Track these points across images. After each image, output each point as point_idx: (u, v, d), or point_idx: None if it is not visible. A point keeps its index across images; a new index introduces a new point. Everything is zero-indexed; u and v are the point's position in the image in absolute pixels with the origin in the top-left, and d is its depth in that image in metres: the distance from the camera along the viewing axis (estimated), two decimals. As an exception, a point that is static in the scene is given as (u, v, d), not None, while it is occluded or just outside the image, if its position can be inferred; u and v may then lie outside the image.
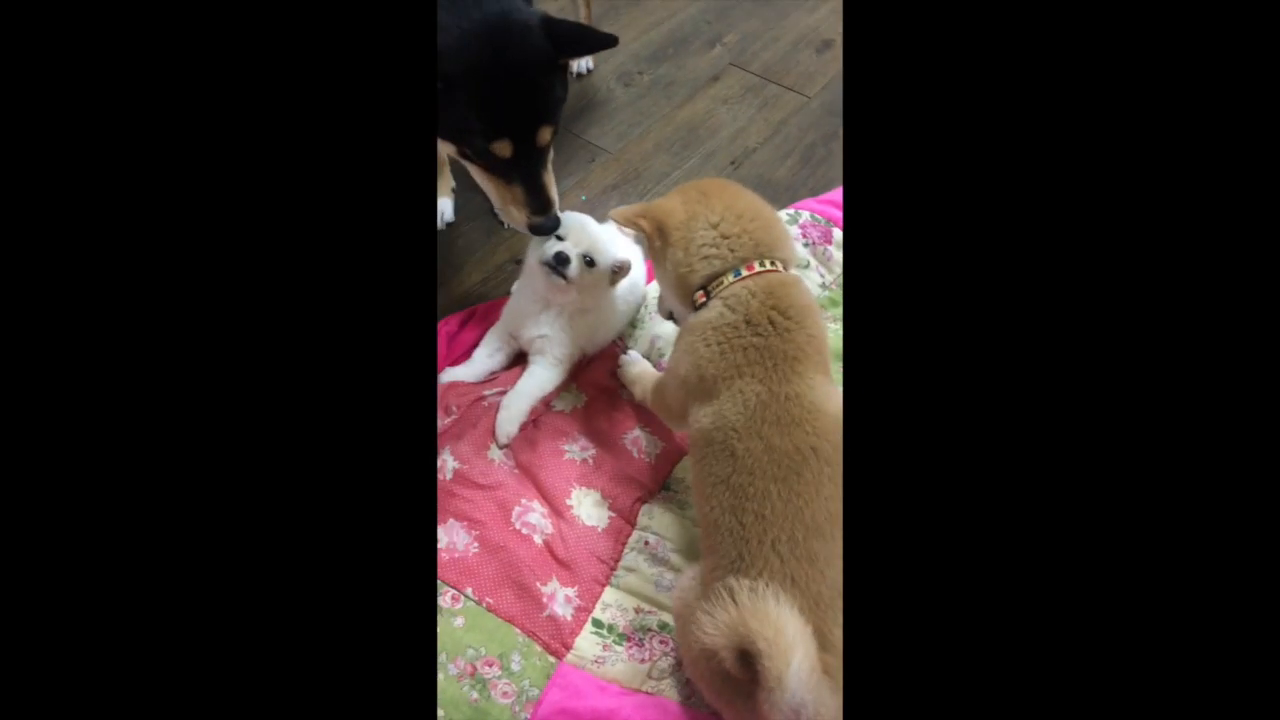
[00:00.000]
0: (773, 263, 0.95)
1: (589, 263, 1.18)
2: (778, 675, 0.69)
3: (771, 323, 0.90)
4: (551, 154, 1.16)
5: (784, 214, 1.56)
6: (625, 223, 1.01)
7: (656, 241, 0.99)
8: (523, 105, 1.06)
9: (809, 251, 1.53)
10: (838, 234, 1.55)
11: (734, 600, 0.73)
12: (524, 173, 1.11)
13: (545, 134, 1.09)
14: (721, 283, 0.93)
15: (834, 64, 2.11)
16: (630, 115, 1.94)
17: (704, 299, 0.94)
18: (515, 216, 1.16)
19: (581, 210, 1.70)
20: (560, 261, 1.16)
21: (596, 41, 1.12)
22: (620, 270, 1.22)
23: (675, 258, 0.97)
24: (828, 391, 0.90)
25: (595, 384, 1.33)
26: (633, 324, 1.39)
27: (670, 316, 1.12)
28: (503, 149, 1.07)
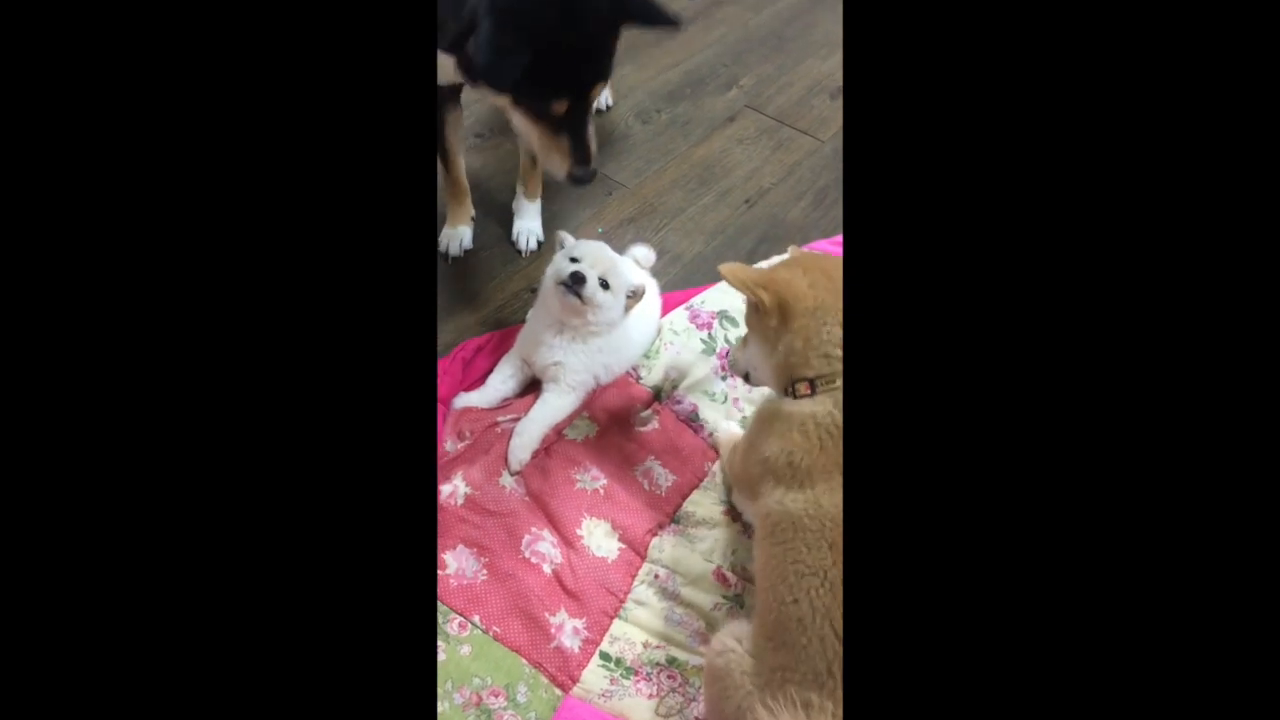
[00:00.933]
0: None
1: (604, 285, 1.19)
2: None
3: None
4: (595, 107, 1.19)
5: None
6: (740, 286, 0.92)
7: (773, 320, 0.91)
8: (587, 66, 1.09)
9: (823, 291, 1.54)
10: (851, 275, 1.56)
11: None
12: (572, 126, 1.14)
13: (599, 90, 1.15)
14: (835, 382, 0.88)
15: (848, 110, 2.15)
16: (648, 152, 1.98)
17: (809, 391, 0.89)
18: (557, 164, 1.18)
19: (599, 240, 1.72)
20: (576, 281, 1.17)
21: (660, 15, 1.12)
22: (635, 295, 1.23)
23: (792, 345, 0.90)
24: None
25: (608, 412, 1.33)
26: (647, 354, 1.39)
27: (746, 377, 1.06)
28: (560, 107, 1.11)
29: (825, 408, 0.87)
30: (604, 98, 2.05)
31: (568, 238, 1.29)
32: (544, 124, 1.15)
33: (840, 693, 0.72)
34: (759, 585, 0.88)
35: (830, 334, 0.88)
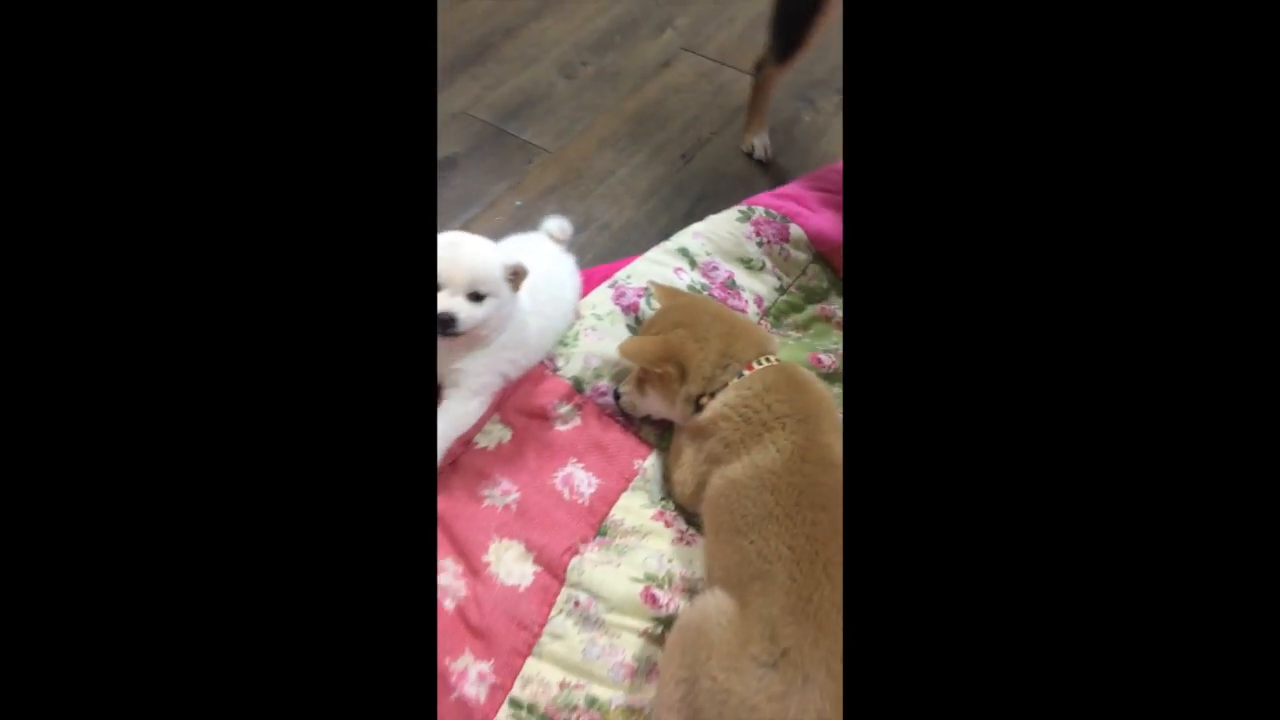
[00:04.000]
0: (767, 358, 1.09)
1: (476, 298, 1.02)
2: None
3: (791, 388, 1.03)
4: None
5: (736, 211, 1.41)
6: (646, 364, 1.10)
7: (674, 382, 1.09)
8: None
9: (763, 251, 1.37)
10: (795, 230, 1.39)
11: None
12: None
13: None
14: (726, 383, 1.07)
15: (794, 43, 1.95)
16: (572, 110, 1.79)
17: (710, 399, 1.07)
18: None
19: (518, 216, 1.54)
20: (447, 325, 1.00)
21: None
22: (517, 274, 1.05)
23: (689, 391, 1.08)
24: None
25: (523, 413, 1.17)
26: (564, 342, 1.23)
27: (628, 408, 1.19)
28: None
29: (726, 398, 1.05)
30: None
31: None
32: None
33: (809, 588, 0.84)
34: (711, 555, 0.98)
35: (714, 363, 1.08)
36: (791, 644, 0.80)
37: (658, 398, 1.12)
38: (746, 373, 1.07)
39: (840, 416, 1.04)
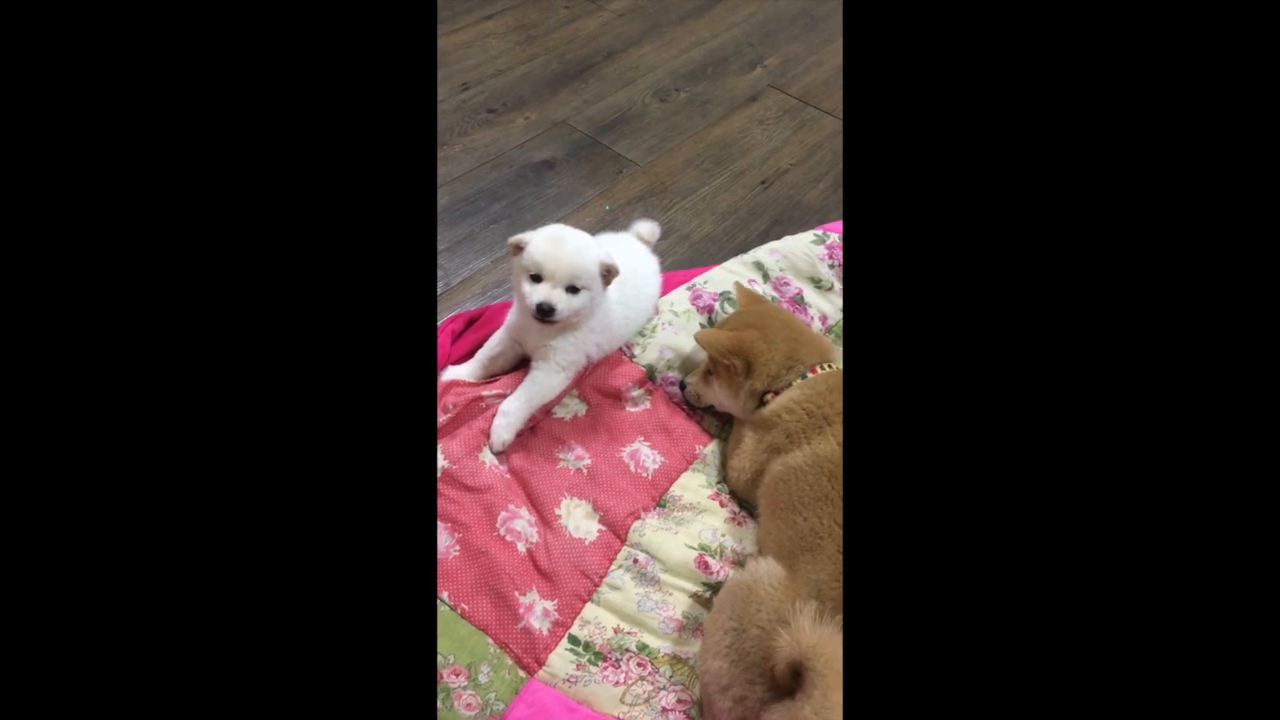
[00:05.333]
0: (830, 364, 1.19)
1: (573, 290, 1.14)
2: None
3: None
4: None
5: (812, 234, 1.51)
6: (716, 354, 1.19)
7: (740, 375, 1.19)
8: None
9: (834, 274, 1.47)
10: (864, 257, 1.49)
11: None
12: None
13: None
14: (790, 383, 1.17)
15: (876, 90, 2.07)
16: (663, 130, 1.93)
17: (774, 397, 1.17)
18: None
19: (606, 219, 1.68)
20: (545, 314, 1.12)
21: None
22: (609, 273, 1.17)
23: (753, 386, 1.19)
24: None
25: (599, 391, 1.29)
26: (642, 333, 1.35)
27: (692, 398, 1.29)
28: None
29: (793, 396, 1.16)
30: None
31: (523, 238, 1.17)
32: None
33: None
34: (765, 532, 1.07)
35: (777, 366, 1.18)
36: (835, 603, 0.89)
37: (723, 389, 1.22)
38: (811, 375, 1.17)
39: None
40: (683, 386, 1.29)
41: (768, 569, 0.96)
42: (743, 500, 1.19)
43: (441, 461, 1.14)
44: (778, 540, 1.02)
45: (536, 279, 1.13)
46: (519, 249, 1.15)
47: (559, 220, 1.67)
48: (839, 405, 1.10)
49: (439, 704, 0.93)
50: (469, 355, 1.31)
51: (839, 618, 0.84)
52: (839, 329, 1.46)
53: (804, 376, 1.17)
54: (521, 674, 0.99)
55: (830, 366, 1.19)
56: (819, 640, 0.80)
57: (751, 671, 0.88)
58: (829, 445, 1.05)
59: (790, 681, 0.83)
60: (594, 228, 1.58)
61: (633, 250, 1.36)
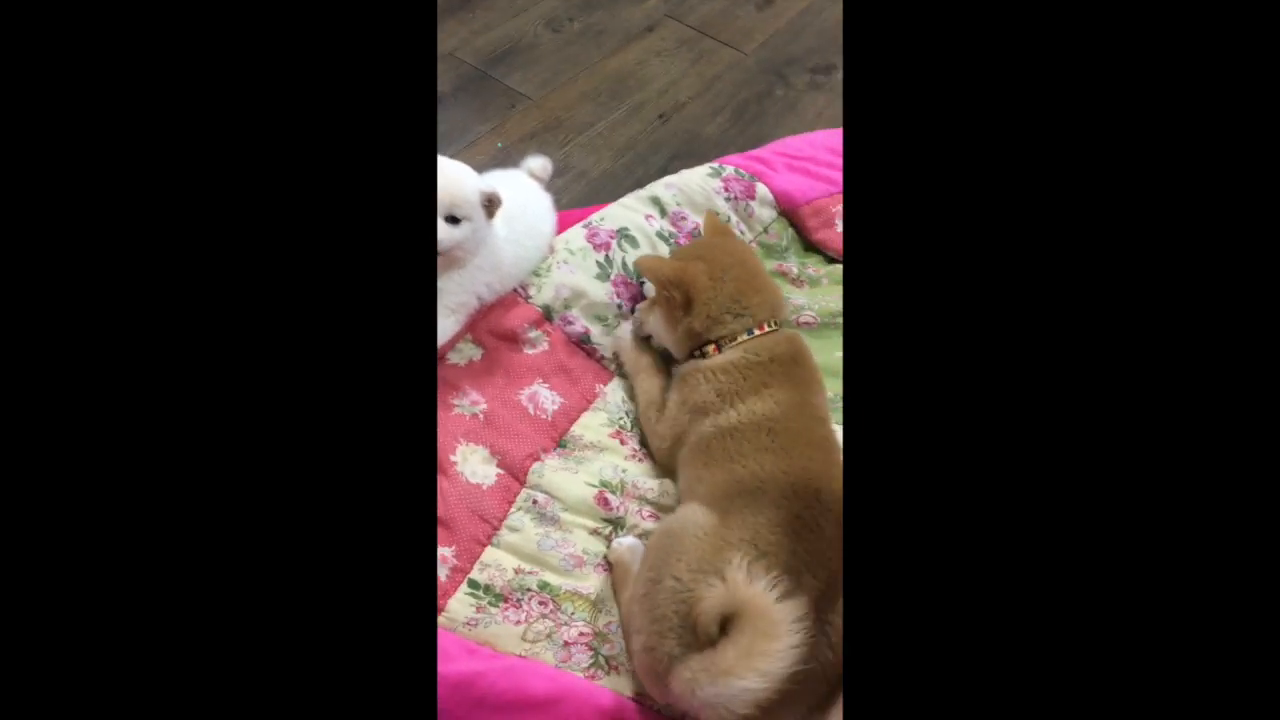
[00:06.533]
0: (777, 324, 1.13)
1: (453, 220, 1.08)
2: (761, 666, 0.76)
3: (793, 361, 1.09)
4: None
5: (708, 168, 1.50)
6: (657, 282, 1.13)
7: (679, 310, 1.12)
8: None
9: (730, 207, 1.46)
10: (762, 189, 1.48)
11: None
12: None
13: None
14: (736, 337, 1.11)
15: (774, 20, 2.04)
16: (556, 62, 1.85)
17: (717, 351, 1.11)
18: None
19: (498, 156, 1.61)
20: None
21: None
22: (491, 202, 1.12)
23: (691, 326, 1.12)
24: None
25: (494, 334, 1.25)
26: (537, 273, 1.31)
27: (647, 338, 1.23)
28: None
29: (737, 354, 1.09)
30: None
31: None
32: None
33: (805, 528, 0.90)
34: (694, 479, 1.03)
35: (718, 307, 1.10)
36: (772, 550, 0.87)
37: (661, 321, 1.16)
38: (757, 332, 1.11)
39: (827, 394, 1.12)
40: (633, 310, 1.25)
41: (694, 517, 0.93)
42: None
43: (326, 413, 1.09)
44: (710, 486, 0.98)
45: None
46: None
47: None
48: (778, 373, 1.06)
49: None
50: (354, 302, 1.25)
51: (773, 574, 0.82)
52: (737, 262, 1.45)
53: (750, 333, 1.11)
54: (420, 622, 0.97)
55: (775, 324, 1.13)
56: (754, 594, 0.79)
57: (660, 624, 0.85)
58: (767, 405, 1.02)
59: (713, 631, 0.81)
60: (486, 166, 1.52)
61: (523, 186, 1.32)
